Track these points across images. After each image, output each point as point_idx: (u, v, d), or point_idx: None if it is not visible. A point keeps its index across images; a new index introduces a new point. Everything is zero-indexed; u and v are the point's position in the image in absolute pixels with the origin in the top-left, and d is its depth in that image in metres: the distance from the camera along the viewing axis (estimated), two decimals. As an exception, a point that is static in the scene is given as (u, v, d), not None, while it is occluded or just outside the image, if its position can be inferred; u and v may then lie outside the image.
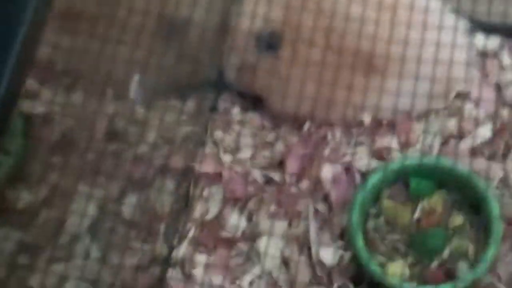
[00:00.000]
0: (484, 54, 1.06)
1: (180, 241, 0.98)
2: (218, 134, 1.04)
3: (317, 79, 0.97)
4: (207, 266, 0.96)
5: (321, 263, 0.94)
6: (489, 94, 1.02)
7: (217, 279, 0.95)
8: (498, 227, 0.89)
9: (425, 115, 1.01)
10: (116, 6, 0.90)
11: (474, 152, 0.99)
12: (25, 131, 0.85)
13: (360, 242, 0.90)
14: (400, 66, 0.96)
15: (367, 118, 1.01)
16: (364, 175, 0.98)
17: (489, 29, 1.06)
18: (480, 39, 1.07)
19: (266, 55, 1.01)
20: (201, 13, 0.95)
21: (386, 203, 0.94)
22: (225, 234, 0.98)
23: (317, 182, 0.98)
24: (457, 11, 1.01)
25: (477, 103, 1.02)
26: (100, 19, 0.88)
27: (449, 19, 1.00)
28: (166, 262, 0.98)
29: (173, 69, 0.95)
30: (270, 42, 1.01)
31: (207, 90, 1.07)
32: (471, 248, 0.91)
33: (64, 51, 0.86)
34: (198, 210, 1.00)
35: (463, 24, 1.02)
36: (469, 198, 0.94)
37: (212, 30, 1.02)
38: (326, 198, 0.98)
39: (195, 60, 1.01)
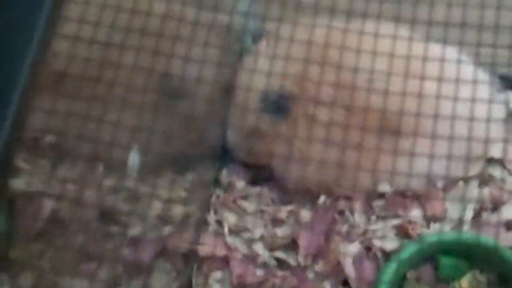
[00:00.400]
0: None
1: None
2: (222, 211, 0.96)
3: (333, 146, 0.90)
4: None
5: None
6: None
7: None
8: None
9: (453, 184, 0.94)
10: (109, 69, 0.85)
11: (510, 226, 0.90)
12: (10, 211, 0.84)
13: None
14: (428, 128, 0.88)
15: (389, 189, 0.93)
16: (388, 255, 0.90)
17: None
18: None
19: (275, 119, 0.94)
20: (202, 74, 0.88)
21: (413, 286, 0.87)
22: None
23: (336, 264, 0.90)
24: (491, 68, 0.94)
25: (510, 169, 0.95)
26: (89, 83, 0.85)
27: (482, 75, 0.93)
28: None
29: (171, 138, 0.90)
30: (279, 104, 0.94)
31: (209, 162, 1.01)
32: None
33: (51, 121, 0.82)
34: (202, 300, 0.94)
35: (496, 81, 0.96)
36: (508, 280, 0.85)
37: (215, 93, 0.95)
38: (345, 283, 0.90)
39: (196, 127, 0.95)
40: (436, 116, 0.87)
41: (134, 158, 0.88)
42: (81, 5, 0.84)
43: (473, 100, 0.86)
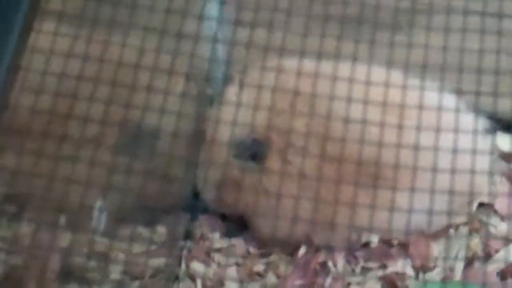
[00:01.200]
0: (507, 157, 0.96)
1: None
2: (196, 266, 0.91)
3: (312, 195, 0.85)
4: None
5: None
6: None
7: None
8: None
9: (443, 232, 0.89)
10: (66, 118, 0.82)
11: (504, 275, 0.85)
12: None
13: None
14: (410, 177, 0.84)
15: (374, 239, 0.88)
16: None
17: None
18: (502, 139, 0.97)
19: (249, 167, 0.90)
20: (170, 121, 0.84)
21: None
22: None
23: (319, 322, 0.86)
24: (475, 108, 0.90)
25: (503, 215, 0.90)
26: (51, 135, 0.80)
27: (466, 119, 0.88)
28: None
29: (139, 188, 0.85)
30: (253, 152, 0.90)
31: (180, 213, 0.96)
32: None
33: (8, 173, 0.79)
34: None
35: (482, 123, 0.91)
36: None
37: (185, 140, 0.91)
38: None
39: (165, 177, 0.90)
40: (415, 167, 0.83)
41: (100, 212, 0.84)
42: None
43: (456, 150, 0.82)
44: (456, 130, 0.82)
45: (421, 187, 0.84)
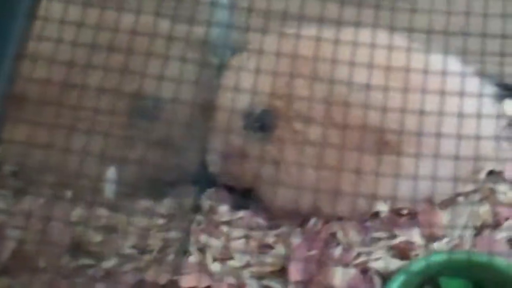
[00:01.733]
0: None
1: None
2: (204, 239, 0.91)
3: (320, 164, 0.84)
4: None
5: None
6: None
7: None
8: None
9: (451, 201, 0.89)
10: (75, 88, 0.82)
11: None
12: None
13: None
14: (417, 143, 0.83)
15: (383, 209, 0.88)
16: (385, 278, 0.85)
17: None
18: (510, 106, 0.97)
19: (258, 138, 0.89)
20: (178, 92, 0.83)
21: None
22: None
23: (330, 291, 0.86)
24: (482, 74, 0.89)
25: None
26: (55, 105, 0.80)
27: (473, 84, 0.88)
28: None
29: (146, 161, 0.85)
30: (262, 122, 0.89)
31: (188, 186, 0.95)
32: None
33: (14, 145, 0.78)
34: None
35: (489, 89, 0.91)
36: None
37: (193, 112, 0.89)
38: (341, 310, 0.85)
39: (172, 149, 0.89)
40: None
41: (111, 178, 0.83)
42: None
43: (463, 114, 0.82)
44: (463, 95, 0.81)
45: (428, 153, 0.82)
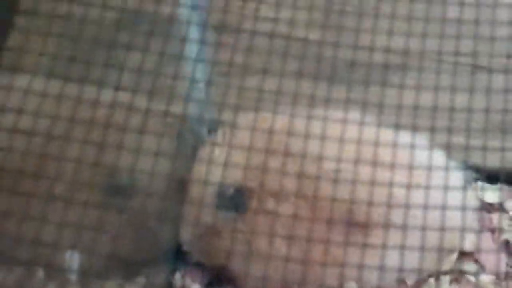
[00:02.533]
0: (489, 206, 0.95)
1: None
2: (176, 318, 0.92)
3: (297, 245, 0.85)
4: None
5: None
6: (498, 254, 0.90)
7: None
8: None
9: (424, 283, 0.88)
10: (42, 160, 0.82)
11: None
12: None
13: None
14: (395, 233, 0.84)
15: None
16: None
17: (491, 176, 0.95)
18: (482, 189, 0.96)
19: (231, 215, 0.89)
20: (150, 168, 0.85)
21: None
22: None
23: None
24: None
25: (484, 265, 0.90)
26: (24, 178, 0.81)
27: (455, 177, 0.90)
28: None
29: (117, 239, 0.85)
30: (235, 200, 0.89)
31: (161, 264, 0.95)
32: None
33: None
34: None
35: (466, 176, 0.92)
36: None
37: (166, 189, 0.90)
38: None
39: (144, 227, 0.90)
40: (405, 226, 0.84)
41: (72, 260, 0.83)
42: (21, 93, 0.81)
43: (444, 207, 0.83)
44: (445, 188, 0.84)
45: (407, 243, 0.84)
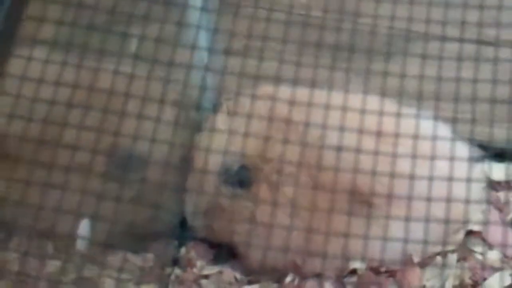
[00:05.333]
0: (498, 185, 0.96)
1: None
2: (182, 292, 0.93)
3: (301, 224, 0.85)
4: None
5: None
6: (506, 233, 0.90)
7: None
8: None
9: (430, 260, 0.88)
10: (56, 142, 0.80)
11: None
12: None
13: None
14: (400, 204, 0.83)
15: (362, 267, 0.88)
16: None
17: (503, 155, 0.96)
18: (493, 168, 0.96)
19: (236, 194, 0.90)
20: (159, 147, 0.84)
21: None
22: None
23: None
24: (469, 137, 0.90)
25: (492, 244, 0.90)
26: (40, 162, 0.79)
27: (460, 148, 0.89)
28: None
29: (126, 215, 0.84)
30: (240, 176, 0.90)
31: (168, 240, 0.96)
32: None
33: None
34: None
35: (474, 152, 0.92)
36: None
37: (173, 168, 0.90)
38: None
39: (153, 205, 0.89)
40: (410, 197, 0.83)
41: (84, 230, 0.83)
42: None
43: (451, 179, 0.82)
44: (450, 159, 0.82)
45: (414, 216, 0.83)
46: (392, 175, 0.82)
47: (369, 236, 0.83)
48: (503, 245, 0.90)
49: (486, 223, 0.91)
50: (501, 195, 0.96)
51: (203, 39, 0.93)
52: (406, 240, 0.81)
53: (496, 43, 0.87)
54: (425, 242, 0.80)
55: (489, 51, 0.86)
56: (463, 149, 0.90)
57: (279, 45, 0.80)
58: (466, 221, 0.86)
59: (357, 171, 0.83)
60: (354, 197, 0.85)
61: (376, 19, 0.85)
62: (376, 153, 0.82)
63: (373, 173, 0.83)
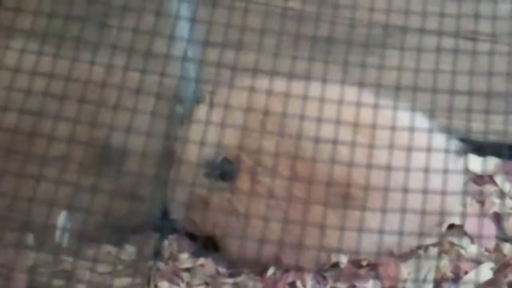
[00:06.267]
0: (478, 179, 0.96)
1: None
2: (164, 285, 0.89)
3: (282, 216, 0.84)
4: None
5: None
6: (487, 226, 0.90)
7: None
8: None
9: (412, 254, 0.89)
10: (33, 135, 0.79)
11: None
12: None
13: None
14: (380, 197, 0.83)
15: (343, 260, 0.88)
16: None
17: (483, 149, 0.97)
18: (474, 161, 0.97)
19: (218, 187, 0.89)
20: (140, 139, 0.83)
21: None
22: None
23: None
24: (447, 130, 0.90)
25: (473, 237, 0.90)
26: (15, 149, 0.79)
27: (438, 140, 0.88)
28: None
29: (107, 206, 0.81)
30: (223, 171, 0.89)
31: (149, 232, 0.95)
32: None
33: None
34: None
35: (453, 144, 0.92)
36: None
37: (154, 160, 0.89)
38: None
39: (134, 196, 0.87)
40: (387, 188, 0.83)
41: (64, 226, 0.82)
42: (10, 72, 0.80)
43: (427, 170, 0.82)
44: (427, 150, 0.81)
45: (391, 207, 0.82)
46: (369, 166, 0.82)
47: (345, 227, 0.84)
48: (484, 238, 0.91)
49: (466, 216, 0.91)
50: (482, 188, 0.96)
51: (182, 30, 0.93)
52: (382, 232, 0.80)
53: (474, 37, 0.87)
54: (401, 233, 0.80)
55: (468, 44, 0.86)
56: (441, 141, 0.90)
57: (257, 37, 0.80)
58: (443, 213, 0.84)
59: (334, 162, 0.83)
60: (331, 189, 0.85)
61: (355, 11, 0.85)
62: (353, 144, 0.82)
63: (350, 164, 0.83)
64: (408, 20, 0.84)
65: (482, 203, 0.94)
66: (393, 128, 0.82)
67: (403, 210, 0.79)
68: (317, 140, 0.82)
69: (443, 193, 0.80)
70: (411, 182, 0.81)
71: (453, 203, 0.89)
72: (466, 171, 0.96)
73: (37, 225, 0.78)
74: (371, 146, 0.83)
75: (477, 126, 0.85)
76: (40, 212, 0.77)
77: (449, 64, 0.81)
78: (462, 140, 0.95)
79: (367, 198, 0.85)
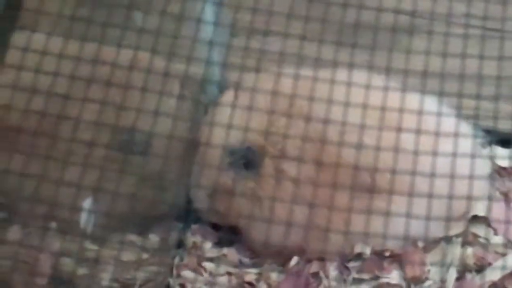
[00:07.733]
0: (503, 170, 0.95)
1: None
2: (187, 274, 0.90)
3: (306, 205, 0.83)
4: None
5: None
6: (510, 218, 0.90)
7: None
8: None
9: (435, 244, 0.88)
10: (59, 120, 0.79)
11: None
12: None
13: None
14: (405, 185, 0.81)
15: (366, 251, 0.87)
16: None
17: (508, 141, 0.96)
18: (498, 152, 0.96)
19: (243, 175, 0.89)
20: (164, 127, 0.83)
21: None
22: None
23: (310, 333, 0.86)
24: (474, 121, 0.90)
25: (497, 228, 0.89)
26: (42, 136, 0.79)
27: (465, 129, 0.89)
28: None
29: (131, 195, 0.84)
30: (247, 159, 0.89)
31: (173, 222, 0.95)
32: None
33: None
34: None
35: (479, 135, 0.92)
36: None
37: (179, 147, 0.89)
38: None
39: (158, 185, 0.90)
40: (414, 173, 0.81)
41: (89, 214, 0.83)
42: (38, 54, 0.79)
43: (454, 155, 0.82)
44: (455, 136, 0.81)
45: (418, 193, 0.81)
46: (396, 150, 0.81)
47: (371, 211, 0.83)
48: (508, 231, 0.90)
49: (490, 208, 0.91)
50: (506, 180, 0.95)
51: (209, 13, 0.93)
52: (409, 216, 0.80)
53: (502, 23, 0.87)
54: (428, 218, 0.79)
55: (495, 31, 0.85)
56: (466, 127, 0.90)
57: (285, 21, 0.79)
58: (470, 198, 0.82)
59: (361, 148, 0.83)
60: (357, 175, 0.85)
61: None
62: (380, 128, 0.81)
63: (377, 148, 0.82)
64: (436, 6, 0.85)
65: (506, 194, 0.94)
66: (421, 113, 0.81)
67: (430, 195, 0.79)
68: (344, 125, 0.82)
69: (470, 178, 0.79)
70: (438, 168, 0.80)
71: (479, 190, 0.87)
72: (492, 163, 0.95)
73: (62, 210, 0.78)
74: (398, 131, 0.82)
75: (502, 117, 0.86)
76: (67, 195, 0.78)
77: (477, 50, 0.81)
78: (488, 131, 0.95)
79: (394, 184, 0.85)
